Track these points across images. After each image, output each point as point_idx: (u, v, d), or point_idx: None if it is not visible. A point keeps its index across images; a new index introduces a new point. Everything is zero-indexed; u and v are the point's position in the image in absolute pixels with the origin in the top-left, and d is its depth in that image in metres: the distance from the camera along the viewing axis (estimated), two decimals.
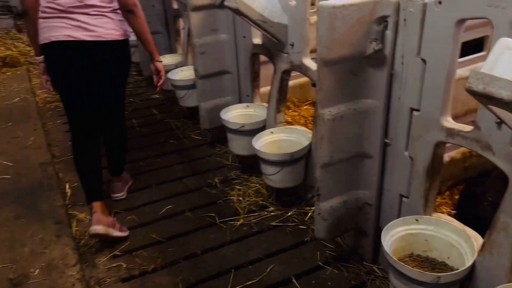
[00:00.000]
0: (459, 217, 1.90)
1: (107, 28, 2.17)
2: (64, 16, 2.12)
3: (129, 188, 2.82)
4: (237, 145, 2.77)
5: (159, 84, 2.51)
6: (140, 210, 2.63)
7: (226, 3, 2.17)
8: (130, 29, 2.32)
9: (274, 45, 2.46)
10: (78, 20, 2.12)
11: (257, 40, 2.69)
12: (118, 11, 2.23)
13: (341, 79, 1.74)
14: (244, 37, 2.79)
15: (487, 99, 1.05)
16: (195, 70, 3.00)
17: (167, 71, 3.61)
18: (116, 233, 2.32)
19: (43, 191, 2.77)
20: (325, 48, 1.63)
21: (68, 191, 2.80)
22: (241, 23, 2.76)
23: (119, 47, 2.24)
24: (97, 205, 2.33)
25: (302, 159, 2.38)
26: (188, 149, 3.32)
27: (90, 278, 2.10)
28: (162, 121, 3.77)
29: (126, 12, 2.23)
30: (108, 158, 2.65)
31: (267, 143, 2.53)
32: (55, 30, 2.13)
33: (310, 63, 2.25)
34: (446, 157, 2.27)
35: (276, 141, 2.55)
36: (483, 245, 1.50)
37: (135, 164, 3.12)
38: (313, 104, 3.58)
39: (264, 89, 3.06)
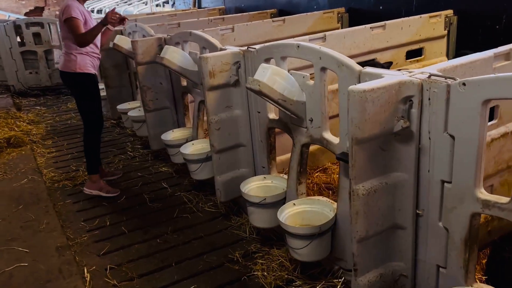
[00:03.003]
0: (492, 283, 1.92)
1: (62, 62, 3.64)
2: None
3: (101, 193, 3.82)
4: (258, 218, 2.78)
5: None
6: None
7: (248, 86, 2.29)
8: (75, 67, 3.60)
9: (292, 120, 2.56)
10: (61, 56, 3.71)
11: (273, 115, 2.81)
12: (72, 53, 3.58)
13: (371, 155, 1.82)
14: (259, 112, 2.90)
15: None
16: (212, 146, 3.06)
17: (179, 145, 3.70)
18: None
19: (63, 278, 2.69)
20: (357, 128, 1.72)
21: (87, 275, 2.73)
22: (255, 99, 2.89)
23: (68, 75, 3.63)
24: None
25: (329, 231, 2.40)
26: (203, 223, 3.30)
27: None
28: (173, 194, 3.77)
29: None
30: None
31: (291, 215, 2.55)
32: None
33: (331, 137, 2.34)
34: None
35: (300, 213, 2.57)
36: None
37: (153, 241, 3.09)
38: (324, 171, 3.66)
39: (279, 158, 3.14)
